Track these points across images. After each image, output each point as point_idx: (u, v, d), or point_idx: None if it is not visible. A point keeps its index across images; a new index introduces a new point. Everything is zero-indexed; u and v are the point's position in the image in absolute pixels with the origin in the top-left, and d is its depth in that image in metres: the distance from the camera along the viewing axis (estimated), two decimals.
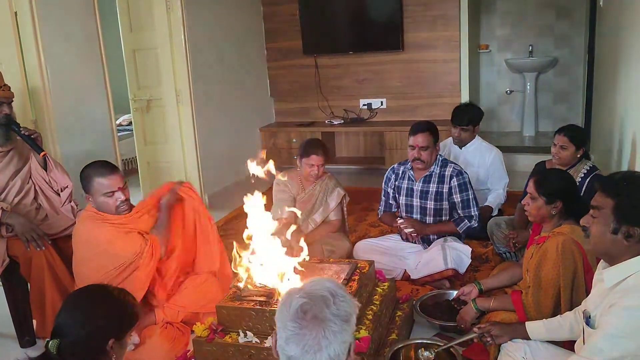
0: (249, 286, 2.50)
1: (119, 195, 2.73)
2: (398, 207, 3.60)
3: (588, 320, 1.87)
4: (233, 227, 4.66)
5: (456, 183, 3.37)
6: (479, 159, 4.08)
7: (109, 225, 2.75)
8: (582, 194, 3.01)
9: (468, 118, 4.06)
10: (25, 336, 3.01)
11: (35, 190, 3.15)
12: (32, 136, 3.06)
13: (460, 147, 4.14)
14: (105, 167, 2.75)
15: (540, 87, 6.66)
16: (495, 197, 4.03)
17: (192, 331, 2.72)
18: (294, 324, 1.27)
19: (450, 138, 4.22)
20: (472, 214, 3.39)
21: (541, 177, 2.56)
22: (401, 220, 3.43)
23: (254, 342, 2.37)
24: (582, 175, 3.29)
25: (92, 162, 2.83)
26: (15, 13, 3.56)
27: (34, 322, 3.02)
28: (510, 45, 6.71)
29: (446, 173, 3.39)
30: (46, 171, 3.14)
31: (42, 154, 3.08)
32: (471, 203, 3.39)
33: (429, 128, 3.35)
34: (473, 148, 4.12)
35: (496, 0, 6.66)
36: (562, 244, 2.32)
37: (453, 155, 4.13)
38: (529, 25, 6.57)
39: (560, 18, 6.45)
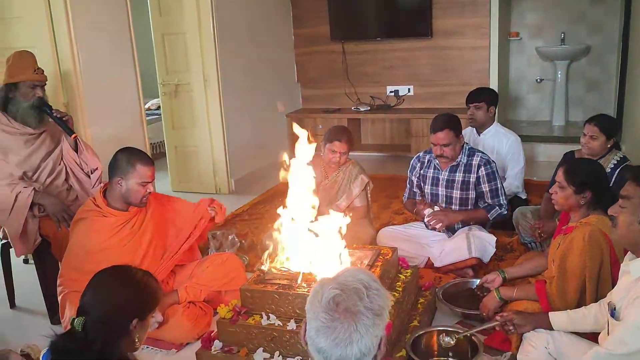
0: (273, 269, 2.53)
1: (150, 188, 2.77)
2: (422, 195, 3.59)
3: (613, 312, 1.85)
4: (258, 211, 4.71)
5: (484, 172, 3.34)
6: (497, 145, 4.06)
7: (106, 223, 2.74)
8: (611, 185, 2.96)
9: (480, 96, 4.07)
10: (56, 313, 3.06)
11: (66, 171, 3.23)
12: (64, 119, 3.13)
13: (478, 132, 4.11)
14: (148, 157, 2.79)
15: (572, 76, 6.52)
16: (506, 186, 3.95)
17: (216, 312, 2.77)
18: (326, 316, 1.24)
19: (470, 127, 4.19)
20: (502, 202, 3.37)
21: (571, 166, 2.51)
22: (429, 214, 3.38)
23: (276, 324, 2.40)
24: (612, 166, 3.23)
25: (129, 147, 2.84)
26: None
27: None
28: (542, 33, 6.58)
29: (474, 162, 3.37)
30: (77, 153, 3.21)
31: (73, 136, 3.15)
32: (500, 192, 3.37)
33: (448, 124, 3.29)
34: (491, 134, 4.09)
35: None
36: (589, 234, 2.29)
37: (473, 143, 4.10)
38: (561, 12, 6.43)
39: (594, 4, 6.30)
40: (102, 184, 3.28)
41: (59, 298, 2.74)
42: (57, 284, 2.76)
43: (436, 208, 3.39)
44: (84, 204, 2.84)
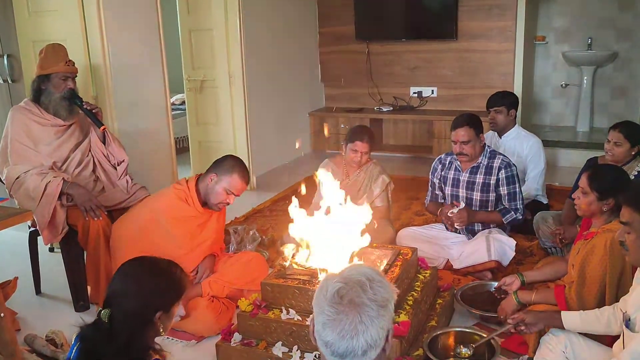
0: (294, 265, 2.56)
1: (231, 200, 2.90)
2: (444, 197, 3.59)
3: (627, 322, 1.86)
4: (279, 208, 4.75)
5: (504, 175, 3.34)
6: (518, 147, 4.06)
7: (182, 208, 2.89)
8: None
9: (499, 100, 4.09)
10: (80, 301, 3.16)
11: (94, 163, 3.29)
12: (93, 111, 3.19)
13: (500, 135, 4.11)
14: (248, 176, 2.94)
15: (598, 82, 6.45)
16: (525, 189, 3.91)
17: (237, 306, 2.81)
18: (331, 309, 1.25)
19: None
20: (518, 207, 3.37)
21: (595, 172, 2.50)
22: (454, 211, 3.37)
23: (295, 319, 2.43)
24: (636, 173, 3.20)
25: (240, 159, 3.00)
26: None
27: (89, 288, 3.17)
28: (568, 38, 6.52)
29: (494, 164, 3.37)
30: (105, 145, 3.28)
31: (102, 128, 3.21)
32: (517, 196, 3.37)
33: (469, 121, 3.33)
34: (512, 137, 4.10)
35: None
36: (611, 241, 2.27)
37: (494, 146, 4.09)
38: (589, 17, 6.36)
39: (623, 10, 6.22)
40: (127, 176, 3.35)
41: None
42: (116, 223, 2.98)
43: (458, 208, 3.38)
44: (178, 182, 2.99)
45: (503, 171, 3.34)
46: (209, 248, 3.04)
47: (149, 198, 3.07)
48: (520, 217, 3.39)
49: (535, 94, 6.75)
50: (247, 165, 3.03)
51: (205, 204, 2.93)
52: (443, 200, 3.60)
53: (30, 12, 3.83)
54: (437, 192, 3.62)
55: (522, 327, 2.26)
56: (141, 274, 1.79)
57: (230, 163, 2.89)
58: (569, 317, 2.18)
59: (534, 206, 3.89)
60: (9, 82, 4.13)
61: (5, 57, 4.09)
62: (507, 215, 3.37)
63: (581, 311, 2.20)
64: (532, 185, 4.01)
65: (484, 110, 4.24)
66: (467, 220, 3.35)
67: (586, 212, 2.49)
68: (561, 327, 2.18)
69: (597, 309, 2.18)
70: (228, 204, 2.92)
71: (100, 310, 1.71)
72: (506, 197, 3.37)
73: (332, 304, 1.26)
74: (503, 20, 5.81)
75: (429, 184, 3.66)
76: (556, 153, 5.71)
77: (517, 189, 3.37)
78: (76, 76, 3.22)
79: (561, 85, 6.63)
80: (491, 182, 3.37)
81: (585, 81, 6.38)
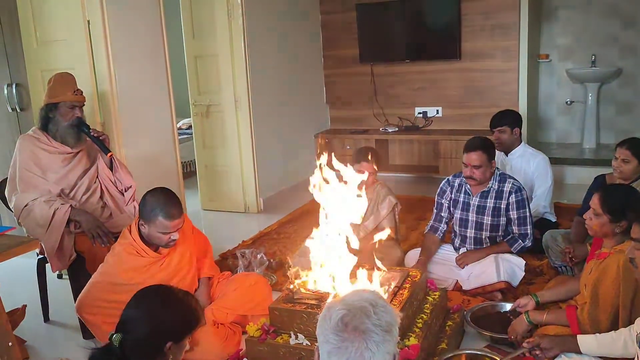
0: (302, 289, 2.55)
1: (175, 236, 2.70)
2: (451, 219, 3.56)
3: None
4: (286, 230, 4.74)
5: (514, 200, 3.31)
6: (525, 165, 4.06)
7: (137, 262, 2.74)
8: None
9: (502, 120, 4.10)
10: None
11: (101, 189, 3.31)
12: (100, 138, 3.22)
13: (506, 154, 4.11)
14: (173, 208, 2.66)
15: (603, 98, 6.46)
16: (533, 206, 3.88)
17: (245, 331, 2.79)
18: (336, 337, 1.24)
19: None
20: (527, 232, 3.32)
21: (607, 193, 2.46)
22: (457, 257, 3.41)
23: (304, 344, 2.41)
24: None
25: (160, 191, 2.72)
26: (88, 22, 3.75)
27: None
28: (572, 55, 6.54)
29: (505, 189, 3.33)
30: (112, 171, 3.30)
31: (109, 154, 3.24)
32: (527, 221, 3.33)
33: (483, 146, 3.28)
34: (519, 155, 4.09)
35: (558, 8, 6.50)
36: (624, 261, 2.24)
37: (501, 164, 4.08)
38: (592, 34, 6.39)
39: (627, 27, 6.24)
40: (135, 202, 3.36)
41: (81, 317, 2.79)
42: (78, 305, 2.75)
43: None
44: (122, 234, 2.83)
45: (513, 195, 3.31)
46: (189, 272, 2.90)
47: (105, 267, 2.80)
48: (530, 243, 3.34)
49: (541, 112, 6.75)
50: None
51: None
52: (448, 221, 3.56)
53: (38, 41, 3.89)
54: (442, 214, 3.56)
55: (537, 352, 2.23)
56: (155, 303, 1.79)
57: (149, 208, 2.64)
58: (585, 341, 2.15)
59: (542, 225, 3.86)
60: (18, 110, 4.18)
61: (14, 86, 4.14)
62: (515, 245, 3.32)
63: (597, 334, 2.17)
64: (540, 203, 3.99)
65: (489, 130, 4.24)
66: (471, 260, 3.34)
67: (598, 233, 2.46)
68: (577, 351, 2.15)
69: (613, 331, 2.15)
70: (174, 240, 2.72)
71: (112, 334, 1.70)
72: (516, 222, 3.33)
73: (337, 332, 1.25)
74: (506, 39, 5.83)
75: (435, 206, 3.59)
76: (563, 170, 5.69)
77: (527, 214, 3.33)
78: (84, 105, 3.25)
79: (566, 102, 6.63)
80: (502, 206, 3.33)
81: (590, 98, 6.38)
